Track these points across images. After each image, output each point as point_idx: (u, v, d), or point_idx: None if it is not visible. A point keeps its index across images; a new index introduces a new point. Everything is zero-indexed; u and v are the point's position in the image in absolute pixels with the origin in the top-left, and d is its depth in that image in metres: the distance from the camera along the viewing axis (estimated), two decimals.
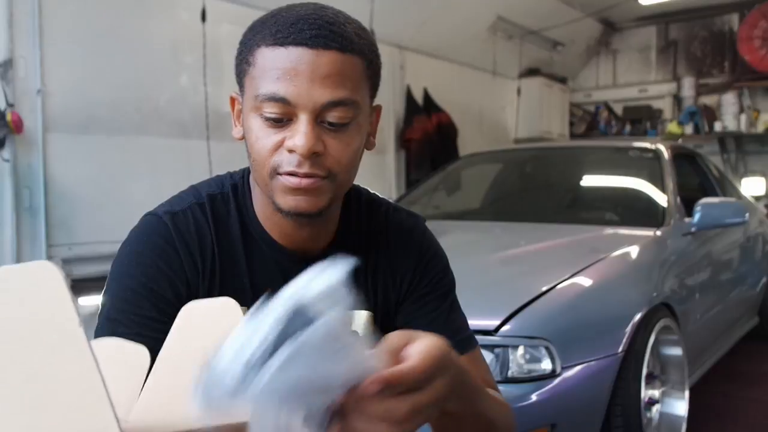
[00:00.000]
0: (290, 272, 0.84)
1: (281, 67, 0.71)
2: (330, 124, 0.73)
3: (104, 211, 3.07)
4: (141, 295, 0.77)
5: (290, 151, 0.73)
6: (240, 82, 0.78)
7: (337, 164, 0.75)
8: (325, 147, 0.74)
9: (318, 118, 0.73)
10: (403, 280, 0.91)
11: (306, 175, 0.74)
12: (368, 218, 0.91)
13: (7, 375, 0.44)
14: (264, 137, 0.74)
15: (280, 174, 0.75)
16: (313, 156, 0.73)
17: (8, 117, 2.73)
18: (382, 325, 0.91)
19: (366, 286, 0.89)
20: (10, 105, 2.77)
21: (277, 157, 0.74)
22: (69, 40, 3.00)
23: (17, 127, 2.76)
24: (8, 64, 2.78)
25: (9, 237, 2.81)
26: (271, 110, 0.72)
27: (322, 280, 0.46)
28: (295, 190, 0.75)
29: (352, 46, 0.73)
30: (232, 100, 0.83)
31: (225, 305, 0.59)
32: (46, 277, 0.45)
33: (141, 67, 3.29)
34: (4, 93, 2.76)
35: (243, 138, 0.80)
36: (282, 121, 0.73)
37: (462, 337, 0.90)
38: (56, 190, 2.95)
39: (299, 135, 0.72)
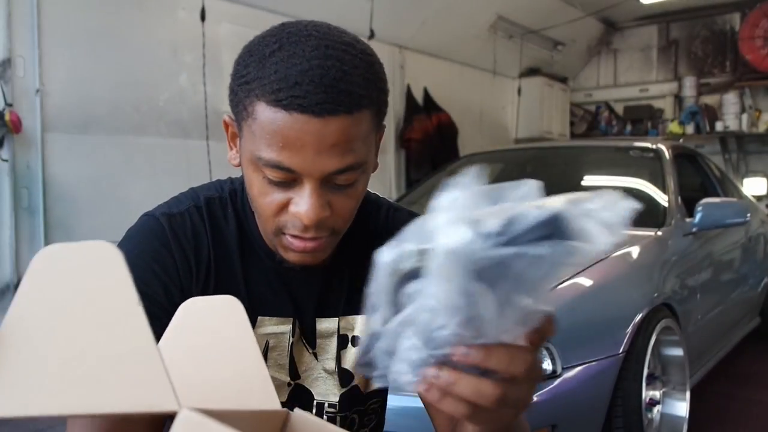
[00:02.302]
0: (291, 279, 0.83)
1: (285, 135, 0.66)
2: (336, 184, 0.72)
3: (103, 211, 3.06)
4: None
5: (294, 215, 0.71)
6: (236, 117, 0.74)
7: (342, 221, 0.75)
8: (331, 207, 0.72)
9: (324, 182, 0.70)
10: None
11: (312, 239, 0.73)
12: (369, 220, 0.90)
13: (69, 348, 0.45)
14: (268, 195, 0.72)
15: (285, 234, 0.74)
16: (317, 222, 0.71)
17: (7, 117, 2.73)
18: None
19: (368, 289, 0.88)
20: (8, 105, 2.76)
21: (282, 218, 0.73)
22: (68, 39, 2.99)
23: (16, 126, 2.75)
24: (7, 63, 2.77)
25: (8, 237, 2.80)
26: (275, 176, 0.69)
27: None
28: (300, 251, 0.75)
29: (360, 102, 0.68)
30: (226, 124, 0.79)
31: (227, 303, 0.59)
32: (106, 256, 0.46)
33: (140, 67, 3.28)
34: (3, 93, 2.75)
35: (239, 165, 0.77)
36: (286, 183, 0.71)
37: None
38: (55, 190, 2.94)
39: (305, 204, 0.70)
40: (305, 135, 0.66)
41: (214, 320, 0.58)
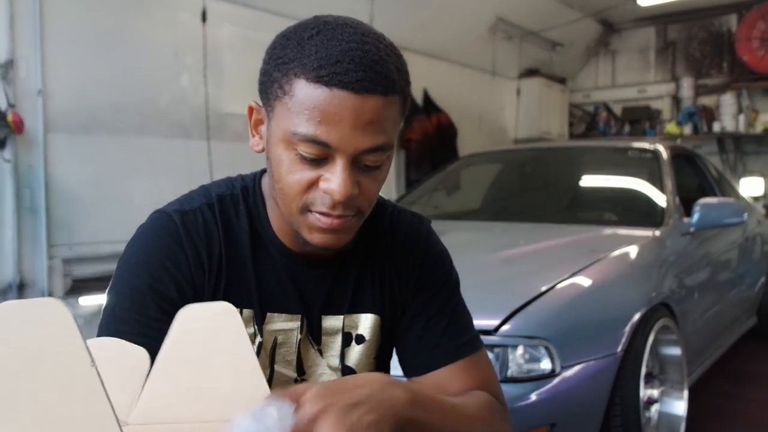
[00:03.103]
0: (300, 276, 0.85)
1: (324, 110, 0.69)
2: (365, 165, 0.74)
3: (105, 211, 3.07)
4: (146, 294, 0.77)
5: (325, 192, 0.73)
6: (266, 99, 0.76)
7: (367, 202, 0.77)
8: (359, 187, 0.74)
9: (355, 161, 0.73)
10: (408, 282, 0.91)
11: (339, 217, 0.74)
12: (374, 221, 0.91)
13: (19, 413, 0.43)
14: (297, 172, 0.73)
15: (312, 211, 0.75)
16: (348, 199, 0.73)
17: (9, 117, 2.74)
18: (390, 328, 0.91)
19: (373, 289, 0.89)
20: (11, 105, 2.77)
21: (311, 195, 0.74)
22: (70, 40, 3.00)
23: (18, 127, 2.76)
24: (9, 64, 2.78)
25: (10, 237, 2.81)
26: (309, 151, 0.71)
27: None
28: (325, 229, 0.75)
29: (394, 86, 0.72)
30: (251, 109, 0.80)
31: (223, 310, 0.59)
32: (55, 314, 0.45)
33: (142, 68, 3.29)
34: (5, 93, 2.76)
35: (263, 150, 0.79)
36: (318, 160, 0.72)
37: (462, 341, 0.90)
38: (57, 191, 2.95)
39: (337, 180, 0.71)
40: (343, 110, 0.69)
41: (212, 329, 0.58)
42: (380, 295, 0.90)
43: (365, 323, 0.89)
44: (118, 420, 0.46)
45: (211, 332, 0.58)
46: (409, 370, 0.91)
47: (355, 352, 0.89)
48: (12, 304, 0.45)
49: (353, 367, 0.89)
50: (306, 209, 0.75)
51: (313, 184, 0.73)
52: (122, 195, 3.17)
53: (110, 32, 3.15)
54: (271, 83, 0.73)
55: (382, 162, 0.75)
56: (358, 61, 0.69)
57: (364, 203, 0.77)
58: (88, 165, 3.09)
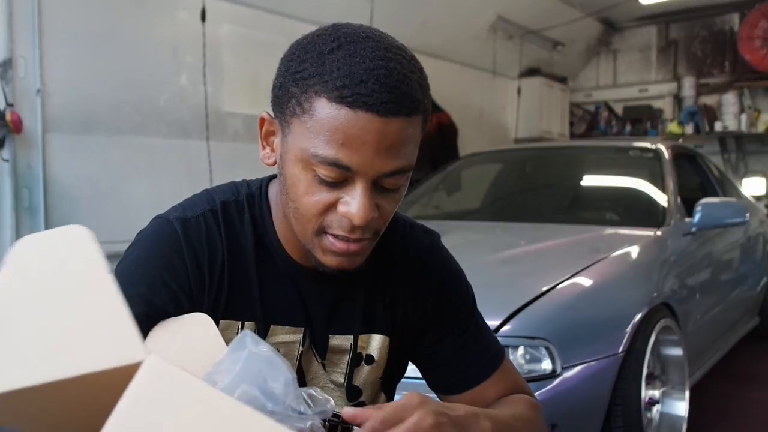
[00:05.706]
0: (305, 288, 0.83)
1: (347, 132, 0.66)
2: (383, 187, 0.71)
3: (103, 210, 3.07)
4: (140, 307, 0.74)
5: (344, 215, 0.70)
6: (281, 113, 0.72)
7: (384, 223, 0.75)
8: (378, 209, 0.72)
9: (374, 183, 0.70)
10: (425, 304, 0.89)
11: (356, 240, 0.72)
12: (385, 235, 0.87)
13: (42, 323, 0.49)
14: (315, 194, 0.71)
15: (327, 233, 0.73)
16: (367, 223, 0.71)
17: (8, 117, 2.73)
18: (399, 349, 0.89)
19: (385, 309, 0.87)
20: (9, 105, 2.77)
21: (328, 217, 0.72)
22: (69, 39, 2.99)
23: (17, 127, 2.76)
24: (8, 63, 2.78)
25: (9, 237, 2.81)
26: (329, 174, 0.68)
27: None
28: (341, 253, 0.73)
29: (417, 106, 0.69)
30: (262, 120, 0.76)
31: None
32: (75, 236, 0.54)
33: (141, 67, 3.29)
34: (4, 93, 2.75)
35: (275, 164, 0.76)
36: (337, 183, 0.70)
37: (491, 355, 0.90)
38: (56, 190, 2.94)
39: (357, 204, 0.69)
40: (367, 133, 0.66)
41: (185, 339, 0.58)
42: (391, 315, 0.88)
43: (375, 344, 0.87)
44: (132, 316, 0.50)
45: (183, 342, 0.59)
46: (441, 391, 0.90)
47: (364, 372, 0.87)
48: (35, 235, 0.53)
49: (360, 386, 0.87)
50: (322, 231, 0.73)
51: (331, 206, 0.71)
52: (121, 195, 3.16)
53: (109, 31, 3.15)
54: (288, 98, 0.70)
55: (402, 183, 0.73)
56: (383, 80, 0.65)
57: (380, 224, 0.74)
58: (87, 164, 3.08)
